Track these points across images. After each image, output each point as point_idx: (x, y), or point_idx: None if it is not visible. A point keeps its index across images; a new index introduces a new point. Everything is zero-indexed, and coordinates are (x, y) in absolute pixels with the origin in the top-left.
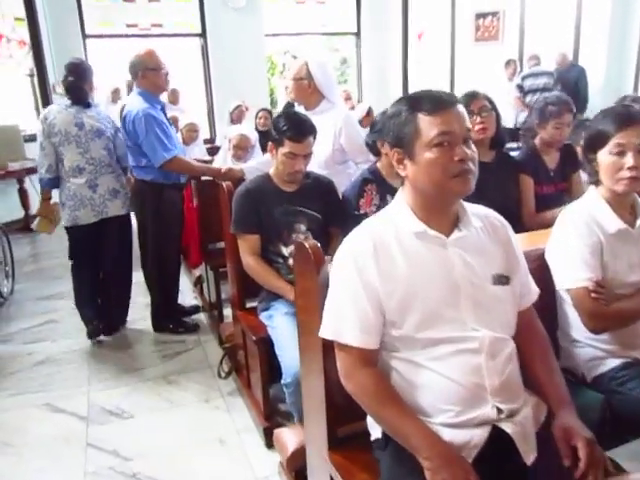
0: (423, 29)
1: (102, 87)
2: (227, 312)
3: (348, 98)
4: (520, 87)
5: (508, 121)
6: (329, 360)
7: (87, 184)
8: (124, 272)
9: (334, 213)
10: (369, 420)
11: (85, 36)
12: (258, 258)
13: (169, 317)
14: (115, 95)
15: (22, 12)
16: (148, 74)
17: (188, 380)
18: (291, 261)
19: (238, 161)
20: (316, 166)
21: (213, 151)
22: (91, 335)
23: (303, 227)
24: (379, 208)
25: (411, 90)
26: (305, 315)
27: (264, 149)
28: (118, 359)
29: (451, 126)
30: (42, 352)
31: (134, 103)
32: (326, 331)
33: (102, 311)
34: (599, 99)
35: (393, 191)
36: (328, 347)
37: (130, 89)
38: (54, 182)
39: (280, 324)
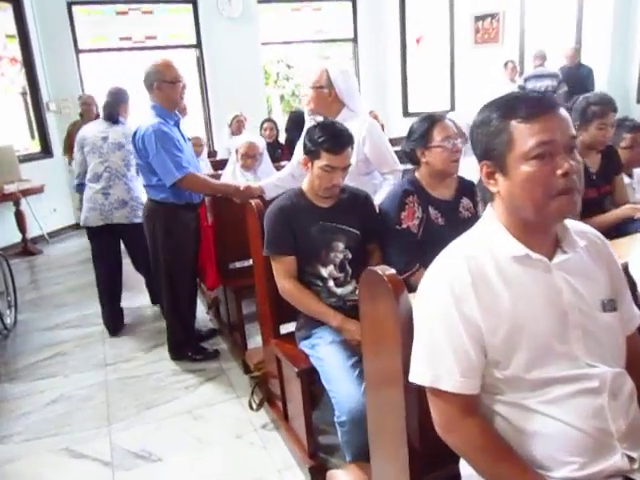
0: (421, 33)
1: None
2: (249, 333)
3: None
4: (523, 89)
5: None
6: (409, 401)
7: (101, 191)
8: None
9: (373, 228)
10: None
11: (78, 51)
12: (295, 281)
13: (187, 344)
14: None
15: (13, 29)
16: (164, 87)
17: (215, 413)
18: (331, 283)
19: (248, 171)
20: None
21: (217, 165)
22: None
23: (341, 245)
24: (421, 221)
25: (411, 95)
26: (376, 352)
27: (273, 160)
28: (137, 393)
29: (552, 134)
30: (54, 389)
31: (146, 118)
32: (419, 377)
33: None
34: None
35: (435, 202)
36: (409, 388)
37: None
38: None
39: (327, 355)
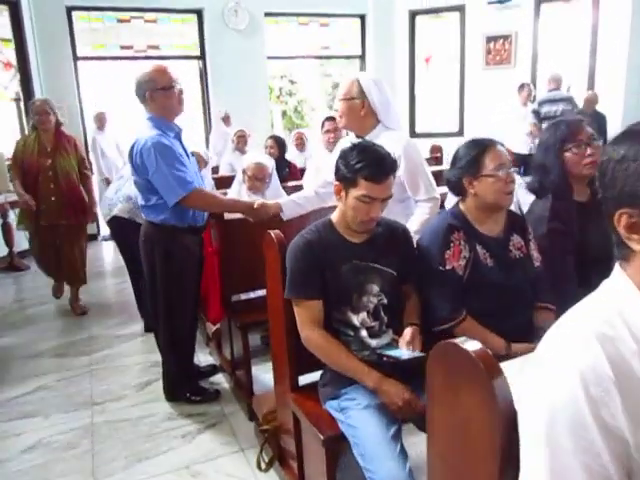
0: (431, 53)
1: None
2: (256, 372)
3: None
4: (537, 113)
5: (523, 149)
6: None
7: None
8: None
9: (411, 268)
10: None
11: (76, 58)
12: (322, 331)
13: (184, 383)
14: (101, 122)
15: (9, 33)
16: (157, 95)
17: (217, 470)
18: (364, 333)
19: (255, 194)
20: None
21: (219, 183)
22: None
23: (376, 288)
24: (468, 262)
25: (418, 116)
26: (453, 466)
27: (281, 179)
28: (127, 441)
29: None
30: (33, 432)
31: (142, 130)
32: None
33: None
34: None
35: (483, 240)
36: None
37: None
38: None
39: (362, 423)
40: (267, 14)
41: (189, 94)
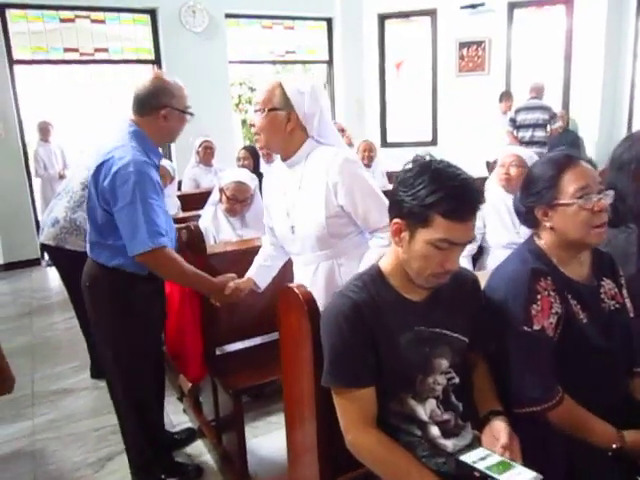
0: (402, 58)
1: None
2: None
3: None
4: (513, 121)
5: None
6: None
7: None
8: None
9: (482, 330)
10: None
11: (12, 62)
12: (379, 432)
13: (155, 462)
14: (44, 132)
15: None
16: (172, 115)
17: None
18: (436, 430)
19: (234, 217)
20: (298, 245)
21: (182, 202)
22: None
23: (445, 363)
24: (560, 319)
25: (390, 124)
26: None
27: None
28: None
29: None
30: None
31: (120, 143)
32: None
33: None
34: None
35: (573, 287)
36: None
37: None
38: None
39: None
40: (228, 15)
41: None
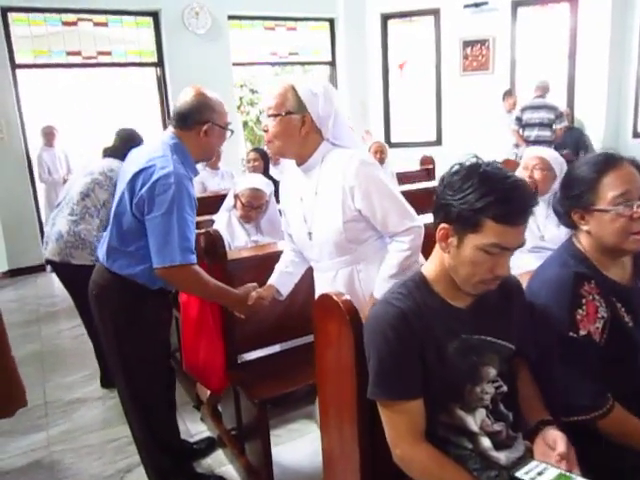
0: (405, 58)
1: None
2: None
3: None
4: (519, 120)
5: (505, 156)
6: None
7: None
8: None
9: (527, 335)
10: None
11: (15, 66)
12: (428, 445)
13: (175, 472)
14: (49, 137)
15: None
16: (213, 131)
17: None
18: (487, 442)
19: (248, 223)
20: (316, 251)
21: None
22: None
23: (493, 371)
24: (606, 323)
25: (393, 125)
26: None
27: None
28: None
29: None
30: None
31: (166, 158)
32: None
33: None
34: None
35: (617, 291)
36: None
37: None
38: None
39: None
40: (231, 17)
41: (147, 104)
